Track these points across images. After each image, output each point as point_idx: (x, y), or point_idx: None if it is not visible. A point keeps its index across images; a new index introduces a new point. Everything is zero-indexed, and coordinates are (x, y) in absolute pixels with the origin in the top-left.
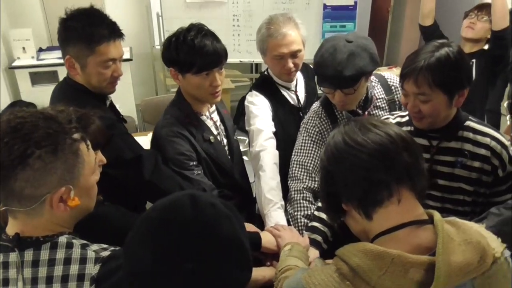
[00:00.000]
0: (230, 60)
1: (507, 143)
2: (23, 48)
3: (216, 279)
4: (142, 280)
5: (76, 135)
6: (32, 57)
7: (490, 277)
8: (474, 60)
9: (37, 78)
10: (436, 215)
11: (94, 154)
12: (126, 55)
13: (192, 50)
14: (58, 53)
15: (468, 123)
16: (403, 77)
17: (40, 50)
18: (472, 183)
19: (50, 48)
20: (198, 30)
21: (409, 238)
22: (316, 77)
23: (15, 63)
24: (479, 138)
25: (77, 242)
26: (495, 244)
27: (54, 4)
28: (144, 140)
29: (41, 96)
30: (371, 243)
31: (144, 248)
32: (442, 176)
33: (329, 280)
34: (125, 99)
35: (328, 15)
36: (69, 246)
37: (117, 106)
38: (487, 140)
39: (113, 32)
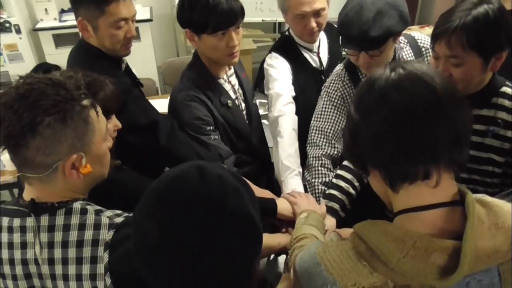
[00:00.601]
0: (252, 19)
1: None
2: (46, 10)
3: (224, 253)
4: (149, 253)
5: (85, 102)
6: (55, 19)
7: None
8: None
9: (61, 40)
10: (469, 195)
11: (105, 121)
12: (146, 16)
13: (206, 9)
14: None
15: (504, 89)
16: (434, 37)
17: (62, 11)
18: (504, 154)
19: (72, 10)
20: None
21: (435, 220)
22: (340, 37)
23: (38, 25)
24: None
25: (91, 208)
26: None
27: None
28: (165, 103)
29: (65, 58)
30: (394, 216)
31: (151, 221)
32: (471, 146)
33: (344, 258)
34: (146, 61)
35: None
36: (83, 212)
37: (134, 70)
38: None
39: None
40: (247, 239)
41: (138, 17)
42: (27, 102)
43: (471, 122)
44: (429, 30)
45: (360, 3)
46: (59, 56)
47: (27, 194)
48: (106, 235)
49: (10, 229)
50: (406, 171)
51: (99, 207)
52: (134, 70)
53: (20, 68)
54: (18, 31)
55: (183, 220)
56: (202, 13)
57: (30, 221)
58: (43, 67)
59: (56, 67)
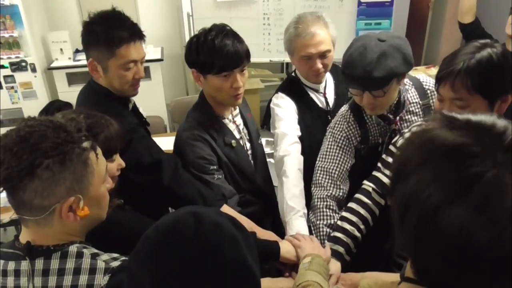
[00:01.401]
0: (260, 59)
1: None
2: (61, 50)
3: None
4: None
5: (85, 144)
6: (69, 58)
7: None
8: None
9: (74, 78)
10: None
11: (105, 163)
12: (157, 56)
13: (212, 50)
14: None
15: None
16: (439, 80)
17: (77, 51)
18: None
19: None
20: (219, 30)
21: None
22: (344, 77)
23: (53, 64)
24: None
25: (87, 251)
26: None
27: (91, 6)
28: (173, 141)
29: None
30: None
31: (145, 271)
32: None
33: None
34: (155, 99)
35: (363, 12)
36: (79, 255)
37: (141, 109)
38: None
39: (134, 33)
40: None
41: (149, 57)
42: (27, 145)
43: None
44: (435, 70)
45: (364, 45)
46: (72, 94)
47: (23, 237)
48: (101, 280)
49: (5, 273)
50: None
51: (96, 251)
52: (141, 109)
53: (34, 105)
54: (34, 69)
55: (177, 271)
56: (208, 54)
57: (24, 265)
58: (55, 105)
59: (68, 105)
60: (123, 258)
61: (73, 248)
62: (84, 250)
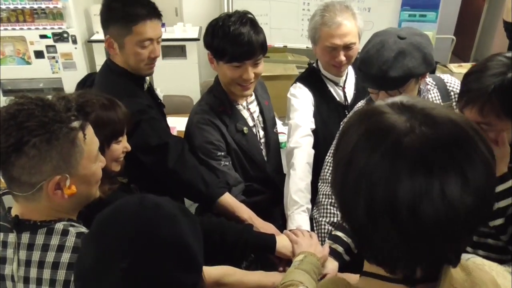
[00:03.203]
0: (297, 45)
1: None
2: None
3: (153, 280)
4: (84, 277)
5: (74, 124)
6: None
7: None
8: None
9: None
10: (445, 266)
11: (96, 142)
12: (195, 35)
13: (225, 37)
14: None
15: None
16: (463, 101)
17: None
18: None
19: None
20: (239, 17)
21: None
22: (360, 74)
23: (93, 37)
24: None
25: (73, 230)
26: None
27: None
28: None
29: None
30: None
31: (89, 247)
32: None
33: None
34: (190, 79)
35: (408, 2)
36: (64, 233)
37: (158, 90)
38: None
39: (151, 11)
40: (181, 267)
41: (186, 36)
42: (15, 123)
43: None
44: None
45: (382, 42)
46: None
47: (14, 210)
48: None
49: None
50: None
51: (82, 230)
52: (158, 90)
53: (73, 75)
54: (75, 41)
55: (115, 244)
56: (221, 40)
57: (11, 237)
58: (93, 77)
59: None
60: None
61: (59, 226)
62: (70, 228)
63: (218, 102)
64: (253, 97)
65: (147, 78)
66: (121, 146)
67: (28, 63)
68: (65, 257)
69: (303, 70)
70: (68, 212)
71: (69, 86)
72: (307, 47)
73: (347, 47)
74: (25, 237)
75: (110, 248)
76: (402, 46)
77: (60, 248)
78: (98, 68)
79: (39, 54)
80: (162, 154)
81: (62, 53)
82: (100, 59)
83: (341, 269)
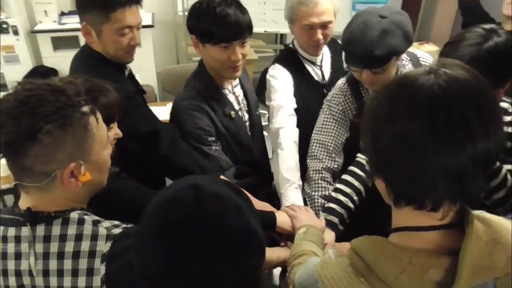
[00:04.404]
0: (255, 29)
1: None
2: (45, 12)
3: (229, 272)
4: (155, 281)
5: (85, 108)
6: (54, 21)
7: None
8: None
9: (59, 42)
10: (471, 214)
11: (105, 128)
12: (148, 21)
13: (211, 19)
14: None
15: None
16: None
17: (62, 14)
18: None
19: (72, 12)
20: None
21: (432, 238)
22: (344, 54)
23: (37, 27)
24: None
25: (88, 218)
26: None
27: None
28: (163, 111)
29: (62, 61)
30: (391, 231)
31: (153, 249)
32: None
33: (342, 275)
34: (145, 67)
35: None
36: (81, 222)
37: (137, 76)
38: None
39: None
40: (251, 252)
41: None
42: (26, 109)
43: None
44: (428, 47)
45: (365, 22)
46: (57, 59)
47: (23, 203)
48: (103, 246)
49: (5, 239)
50: (413, 198)
51: (97, 218)
52: (137, 77)
53: (16, 70)
54: (16, 32)
55: (184, 247)
56: (207, 22)
57: (25, 231)
58: (40, 70)
59: (54, 70)
60: (124, 225)
61: (74, 215)
62: (86, 217)
63: (204, 87)
64: (237, 80)
65: (128, 65)
66: (113, 133)
67: None
68: (85, 245)
69: (261, 55)
70: (80, 201)
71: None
72: (265, 31)
73: (324, 26)
74: (40, 230)
75: (180, 252)
76: (384, 25)
77: (79, 237)
78: (45, 61)
79: None
80: (154, 141)
81: (2, 45)
82: (47, 51)
83: (337, 239)
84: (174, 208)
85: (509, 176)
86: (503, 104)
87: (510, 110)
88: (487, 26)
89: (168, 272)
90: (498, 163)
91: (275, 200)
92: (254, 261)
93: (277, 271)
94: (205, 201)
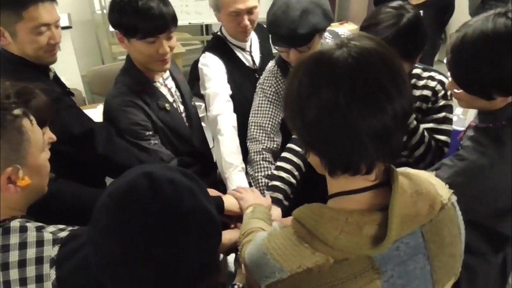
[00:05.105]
0: (179, 22)
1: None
2: None
3: (188, 255)
4: (114, 270)
5: (17, 111)
6: None
7: (438, 222)
8: (422, 11)
9: None
10: (395, 172)
11: (40, 131)
12: (65, 23)
13: (135, 13)
14: None
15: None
16: None
17: None
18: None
19: None
20: None
21: (365, 199)
22: (270, 36)
23: None
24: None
25: (31, 225)
26: (443, 191)
27: None
28: (94, 113)
29: None
30: (328, 198)
31: (109, 238)
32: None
33: (288, 244)
34: (68, 71)
35: None
36: (23, 230)
37: (63, 79)
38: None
39: None
40: (209, 233)
41: None
42: None
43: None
44: (348, 26)
45: (286, 3)
46: None
47: None
48: (50, 251)
49: None
50: (348, 166)
51: (40, 224)
52: (63, 79)
53: None
54: None
55: (141, 233)
56: (131, 17)
57: None
58: None
59: None
60: (70, 228)
61: (15, 223)
62: (28, 224)
63: (135, 82)
64: (168, 73)
65: (52, 66)
66: (47, 136)
67: None
68: (31, 252)
69: (189, 48)
70: (20, 208)
71: None
72: (189, 23)
73: (249, 11)
74: None
75: (138, 238)
76: (304, 5)
77: (23, 245)
78: None
79: None
80: (89, 141)
81: None
82: None
83: (283, 216)
84: (130, 196)
85: (426, 133)
86: (416, 70)
87: (422, 75)
88: (395, 3)
89: (127, 259)
90: (415, 123)
91: (221, 189)
92: (212, 242)
93: (231, 257)
94: (160, 187)
